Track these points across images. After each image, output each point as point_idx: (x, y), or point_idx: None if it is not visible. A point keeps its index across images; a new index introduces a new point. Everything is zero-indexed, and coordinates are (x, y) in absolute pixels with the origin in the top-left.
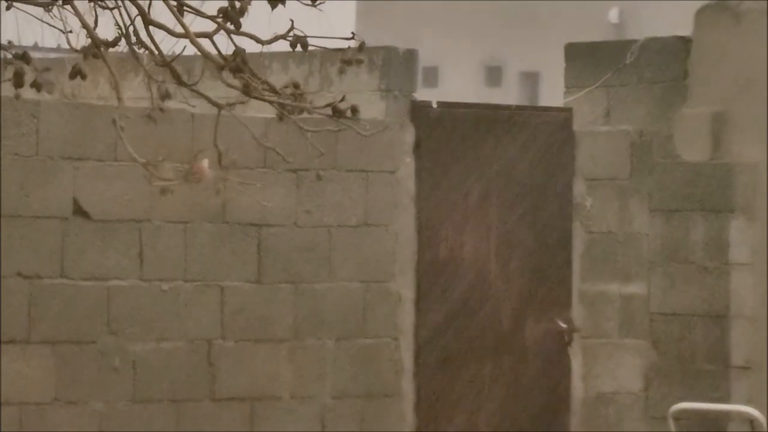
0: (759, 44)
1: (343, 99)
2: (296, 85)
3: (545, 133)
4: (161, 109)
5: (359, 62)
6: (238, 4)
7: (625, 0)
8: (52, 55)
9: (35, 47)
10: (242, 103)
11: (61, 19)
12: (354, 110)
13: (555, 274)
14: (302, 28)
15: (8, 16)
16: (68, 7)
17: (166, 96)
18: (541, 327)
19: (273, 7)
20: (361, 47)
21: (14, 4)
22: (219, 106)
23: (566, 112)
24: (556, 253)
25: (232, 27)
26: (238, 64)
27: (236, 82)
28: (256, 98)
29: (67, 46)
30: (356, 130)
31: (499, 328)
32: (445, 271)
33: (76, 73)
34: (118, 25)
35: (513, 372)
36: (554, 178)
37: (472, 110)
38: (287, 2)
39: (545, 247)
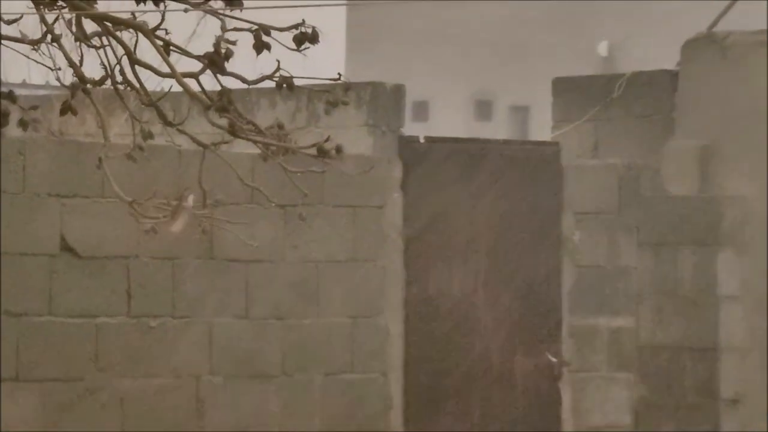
0: (746, 77)
1: (328, 139)
2: (281, 126)
3: (533, 167)
4: (141, 149)
5: (344, 104)
6: (223, 50)
7: (614, 31)
8: (41, 92)
9: (23, 84)
10: (227, 142)
11: (50, 57)
12: (338, 150)
13: (545, 308)
14: (291, 63)
15: None
16: (56, 44)
17: (148, 136)
18: (531, 361)
19: (258, 53)
20: (348, 89)
21: (3, 42)
22: (203, 146)
23: (553, 146)
24: (546, 287)
25: (215, 70)
26: (224, 104)
27: (222, 122)
28: (241, 138)
29: (55, 84)
30: (342, 170)
31: (488, 363)
32: (433, 306)
33: (67, 109)
34: (104, 64)
35: (503, 407)
36: (542, 212)
37: (459, 145)
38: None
39: (534, 281)
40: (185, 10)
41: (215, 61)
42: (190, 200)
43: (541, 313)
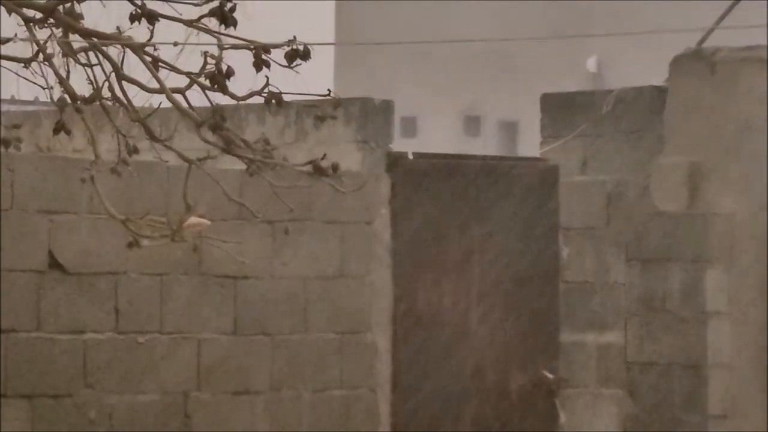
0: (734, 93)
1: (324, 157)
2: (266, 141)
3: (524, 183)
4: (126, 163)
5: (333, 119)
6: (224, 68)
7: (603, 47)
8: (30, 108)
9: (12, 100)
10: (213, 158)
11: (43, 75)
12: (335, 168)
13: (541, 324)
14: (280, 79)
15: None
16: (47, 63)
17: (133, 151)
18: (526, 378)
19: (258, 70)
20: (337, 105)
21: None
22: (189, 162)
23: (542, 161)
24: (541, 303)
25: (216, 88)
26: (217, 121)
27: (214, 138)
28: (236, 156)
29: (44, 100)
30: (336, 187)
31: (481, 379)
32: (422, 322)
33: (60, 128)
34: (91, 80)
35: (496, 424)
36: (536, 228)
37: (447, 161)
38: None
39: (529, 297)
40: (189, 22)
41: (217, 79)
42: (193, 219)
43: (536, 329)
